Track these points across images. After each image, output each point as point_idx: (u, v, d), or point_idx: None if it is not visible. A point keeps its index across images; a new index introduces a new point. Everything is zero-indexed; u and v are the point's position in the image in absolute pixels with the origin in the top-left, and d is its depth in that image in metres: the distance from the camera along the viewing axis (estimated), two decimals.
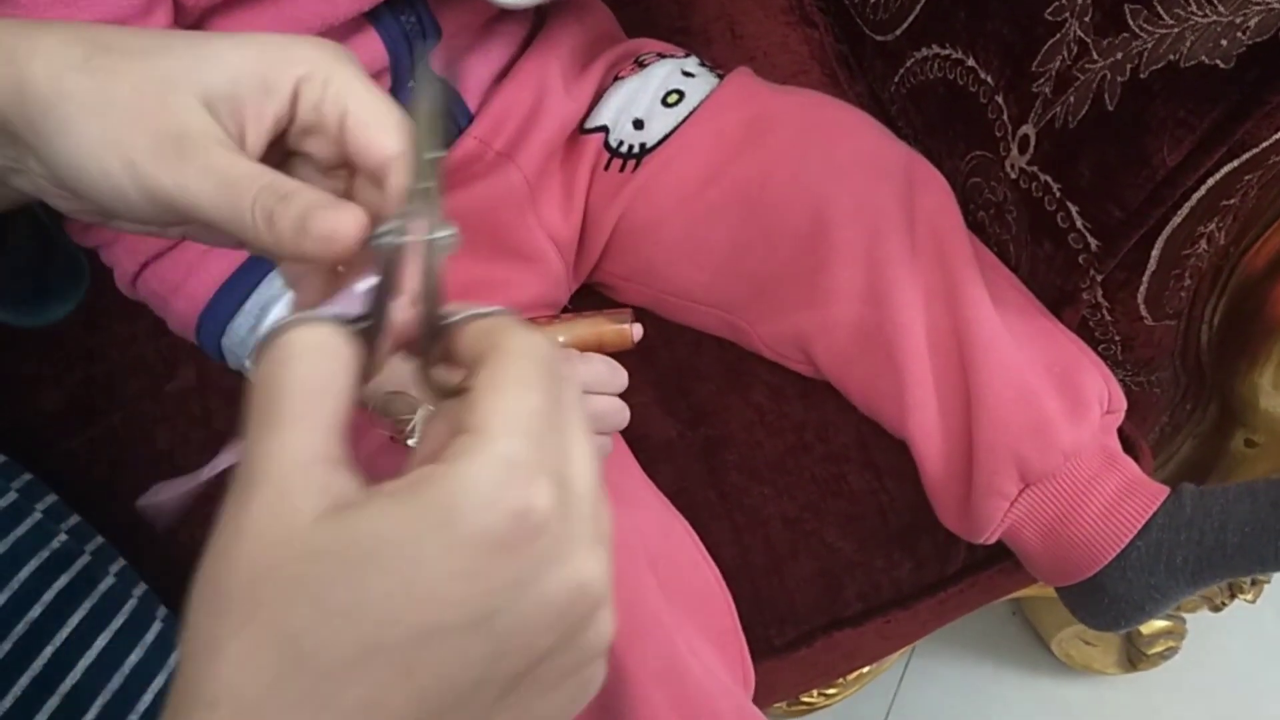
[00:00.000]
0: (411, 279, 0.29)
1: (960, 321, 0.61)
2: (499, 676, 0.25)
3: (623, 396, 0.58)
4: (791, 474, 0.68)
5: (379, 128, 0.32)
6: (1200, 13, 0.53)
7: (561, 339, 0.59)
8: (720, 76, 0.71)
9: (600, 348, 0.59)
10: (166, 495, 0.32)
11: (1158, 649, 0.98)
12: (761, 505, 0.67)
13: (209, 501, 0.27)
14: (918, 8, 0.74)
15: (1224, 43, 0.52)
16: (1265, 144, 0.54)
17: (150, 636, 0.48)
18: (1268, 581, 0.85)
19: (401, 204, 0.29)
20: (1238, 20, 0.51)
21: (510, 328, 0.27)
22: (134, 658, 0.47)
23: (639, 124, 0.69)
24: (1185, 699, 1.04)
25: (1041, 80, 0.63)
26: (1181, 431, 0.76)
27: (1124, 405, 0.63)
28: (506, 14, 0.67)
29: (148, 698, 0.46)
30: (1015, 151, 0.66)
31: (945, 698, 1.04)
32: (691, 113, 0.68)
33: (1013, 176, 0.67)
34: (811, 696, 0.90)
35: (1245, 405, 0.69)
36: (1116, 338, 0.66)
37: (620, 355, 0.59)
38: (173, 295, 0.55)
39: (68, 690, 0.44)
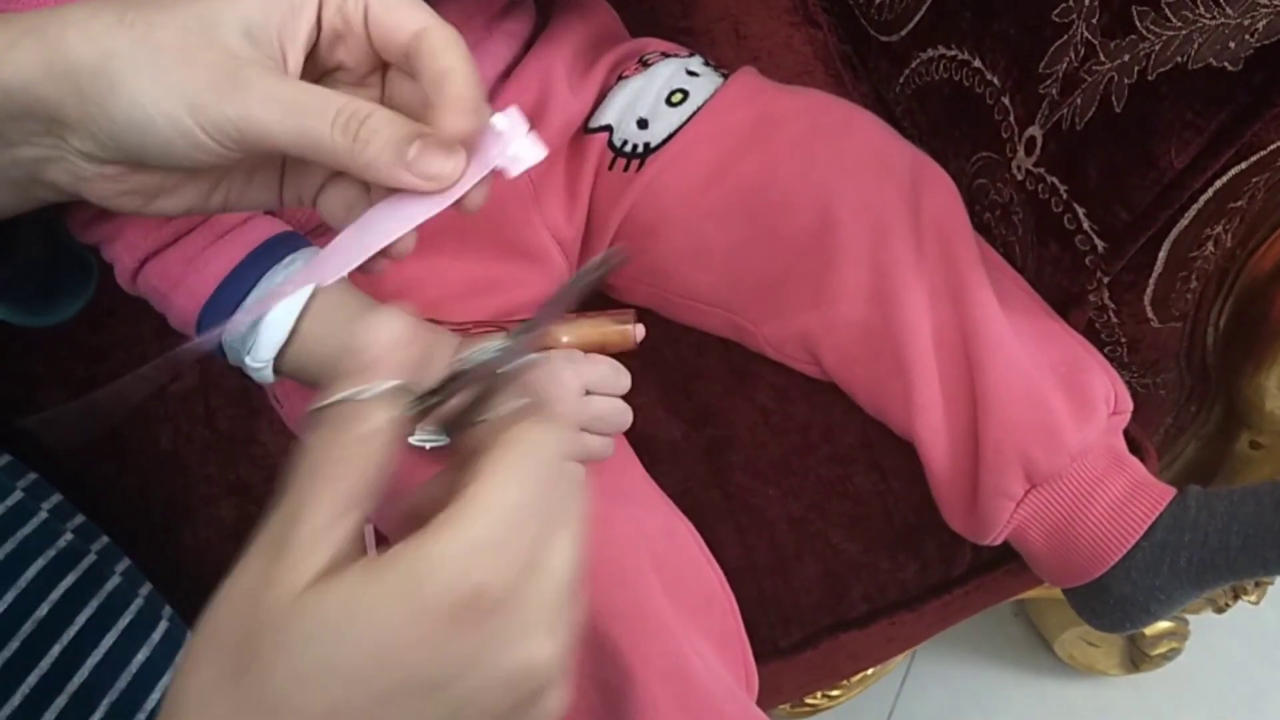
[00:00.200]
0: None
1: (966, 322, 0.61)
2: None
3: (627, 397, 0.58)
4: (796, 475, 0.68)
5: (399, 6, 0.35)
6: (1208, 15, 0.53)
7: (565, 339, 0.60)
8: (725, 76, 0.70)
9: (603, 348, 0.60)
10: (64, 415, 0.34)
11: (1161, 650, 0.97)
12: (766, 506, 0.67)
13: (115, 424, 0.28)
14: (924, 8, 0.74)
15: (1232, 45, 0.52)
16: (1273, 146, 0.54)
17: (157, 636, 0.48)
18: (1271, 583, 0.85)
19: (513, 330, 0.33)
20: (1246, 22, 0.51)
21: (525, 420, 0.29)
22: (141, 656, 0.47)
23: (643, 123, 0.68)
24: (1188, 700, 1.04)
25: (1048, 82, 0.63)
26: (1186, 433, 0.76)
27: (1130, 406, 0.63)
28: (509, 13, 0.67)
29: (155, 696, 0.46)
30: (1022, 153, 0.66)
31: (948, 698, 1.04)
32: (696, 112, 0.68)
33: (1019, 178, 0.67)
34: (815, 698, 0.90)
35: (1250, 407, 0.69)
36: (1122, 339, 0.66)
37: (624, 356, 0.59)
38: (173, 291, 0.55)
39: (75, 689, 0.45)
